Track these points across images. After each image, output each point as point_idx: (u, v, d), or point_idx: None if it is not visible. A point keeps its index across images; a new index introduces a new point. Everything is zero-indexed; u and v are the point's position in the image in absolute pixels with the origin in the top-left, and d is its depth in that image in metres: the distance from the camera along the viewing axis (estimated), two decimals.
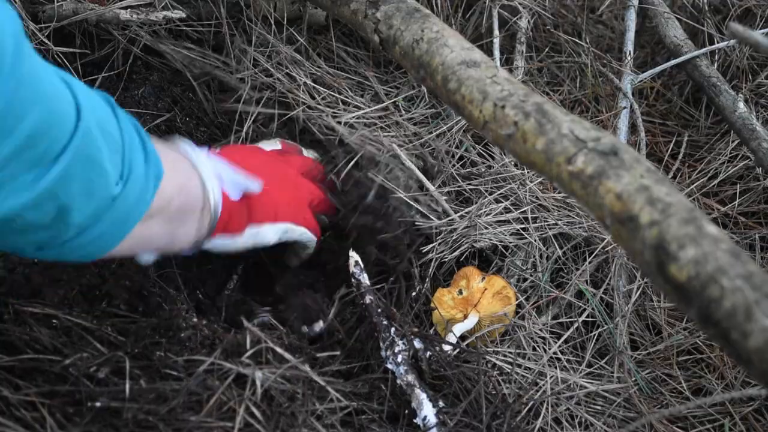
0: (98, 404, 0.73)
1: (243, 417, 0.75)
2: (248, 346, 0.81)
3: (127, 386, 0.75)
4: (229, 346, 0.81)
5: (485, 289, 0.98)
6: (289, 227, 0.97)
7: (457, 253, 1.04)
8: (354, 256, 0.97)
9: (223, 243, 0.91)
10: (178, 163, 0.86)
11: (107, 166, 0.69)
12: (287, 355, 0.81)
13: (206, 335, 0.83)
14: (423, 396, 0.85)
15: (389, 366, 0.88)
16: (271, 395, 0.78)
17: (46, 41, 1.06)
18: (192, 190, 0.86)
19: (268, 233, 0.95)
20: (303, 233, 0.98)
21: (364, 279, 0.96)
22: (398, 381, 0.87)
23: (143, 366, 0.79)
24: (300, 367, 0.81)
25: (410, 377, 0.87)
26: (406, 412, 0.86)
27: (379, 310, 0.93)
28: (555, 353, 0.99)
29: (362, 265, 0.97)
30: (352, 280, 0.96)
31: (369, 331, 0.93)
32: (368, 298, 0.94)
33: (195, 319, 0.84)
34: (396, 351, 0.89)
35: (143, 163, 0.75)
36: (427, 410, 0.84)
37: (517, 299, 1.01)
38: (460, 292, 0.99)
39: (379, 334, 0.91)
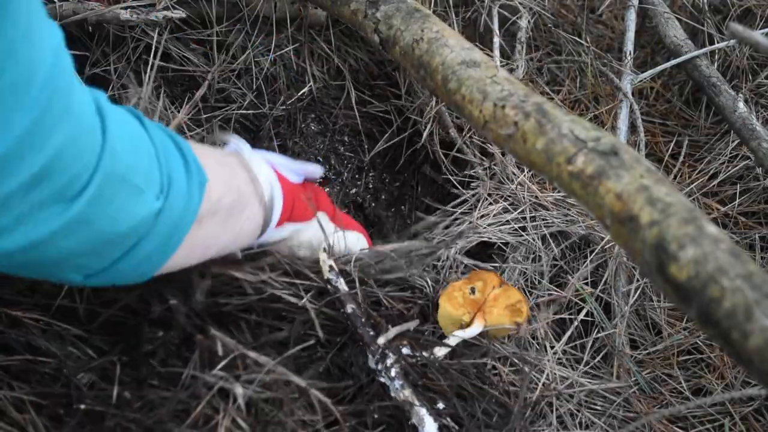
0: (82, 407, 0.73)
1: (228, 430, 0.74)
2: (220, 352, 0.77)
3: (115, 392, 0.74)
4: (205, 354, 0.78)
5: (499, 298, 0.95)
6: (359, 236, 0.97)
7: (454, 250, 1.04)
8: (327, 261, 0.89)
9: (290, 232, 0.89)
10: (224, 159, 0.82)
11: (141, 183, 0.64)
12: (263, 359, 0.78)
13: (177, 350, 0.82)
14: (423, 411, 0.80)
15: (382, 380, 0.82)
16: (256, 403, 0.76)
17: None
18: (242, 186, 0.81)
19: (333, 234, 0.92)
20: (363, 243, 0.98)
21: (342, 285, 0.87)
22: (392, 395, 0.81)
23: (132, 374, 0.79)
24: (279, 369, 0.78)
25: (407, 392, 0.81)
26: (409, 424, 0.81)
27: (363, 320, 0.85)
28: (555, 353, 0.99)
29: (337, 270, 0.88)
30: (329, 287, 0.87)
31: (352, 343, 0.86)
32: (350, 307, 0.85)
33: (161, 333, 0.82)
34: (389, 364, 0.82)
35: (184, 173, 0.70)
36: (429, 426, 0.80)
37: (528, 316, 0.96)
38: (473, 291, 0.96)
39: (366, 346, 0.83)
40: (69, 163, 0.57)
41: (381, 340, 0.84)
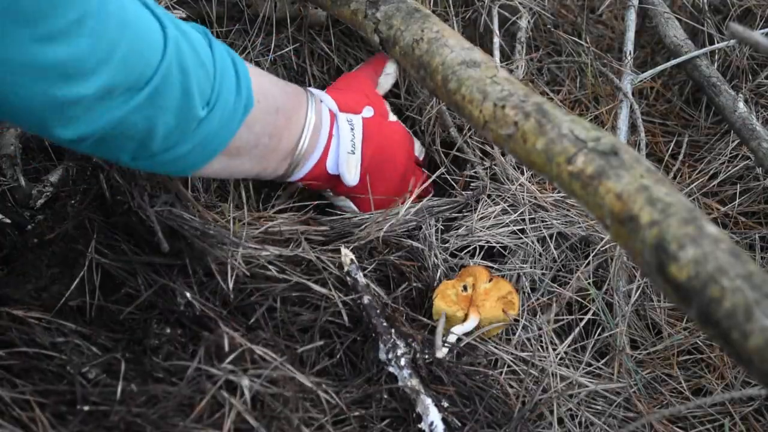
0: (86, 408, 0.73)
1: (234, 423, 0.74)
2: (227, 348, 0.79)
3: (120, 388, 0.75)
4: (212, 348, 0.80)
5: (491, 291, 0.98)
6: None
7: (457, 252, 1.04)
8: (348, 254, 0.95)
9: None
10: (284, 85, 0.97)
11: (194, 90, 0.75)
12: (270, 355, 0.80)
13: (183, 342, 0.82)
14: (428, 401, 0.83)
15: (391, 369, 0.86)
16: (261, 400, 0.77)
17: None
18: (288, 102, 0.94)
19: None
20: None
21: (360, 278, 0.93)
22: (400, 383, 0.85)
23: (137, 369, 0.79)
24: (285, 366, 0.79)
25: (414, 381, 0.85)
26: (414, 415, 0.84)
27: (378, 311, 0.90)
28: (557, 353, 0.99)
29: (357, 263, 0.94)
30: (348, 279, 0.93)
31: (365, 333, 0.90)
32: (366, 299, 0.91)
33: (168, 330, 0.83)
34: (399, 354, 0.87)
35: (234, 93, 0.81)
36: (434, 416, 0.82)
37: (520, 306, 1.01)
38: (465, 288, 0.98)
39: (379, 336, 0.88)
40: (134, 67, 0.69)
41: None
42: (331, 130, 0.99)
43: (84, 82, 0.66)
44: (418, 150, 1.14)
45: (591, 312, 1.04)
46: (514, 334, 1.01)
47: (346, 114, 1.01)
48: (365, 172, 1.01)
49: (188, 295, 0.84)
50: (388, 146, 1.05)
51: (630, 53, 1.28)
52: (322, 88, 1.23)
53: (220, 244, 0.89)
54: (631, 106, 1.23)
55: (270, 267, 0.91)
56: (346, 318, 0.90)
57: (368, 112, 1.04)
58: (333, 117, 1.01)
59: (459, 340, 0.95)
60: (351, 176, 1.00)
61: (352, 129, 1.00)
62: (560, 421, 0.94)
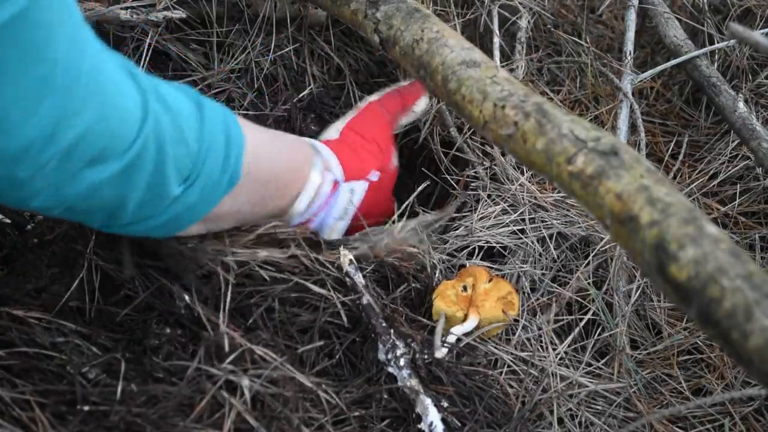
0: (86, 408, 0.73)
1: (234, 423, 0.74)
2: (227, 348, 0.79)
3: (120, 388, 0.75)
4: (211, 348, 0.80)
5: (491, 292, 0.98)
6: None
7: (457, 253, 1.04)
8: (347, 255, 0.94)
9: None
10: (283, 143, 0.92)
11: (168, 169, 0.70)
12: (270, 356, 0.79)
13: (183, 342, 0.82)
14: (428, 401, 0.83)
15: (390, 370, 0.86)
16: (261, 400, 0.77)
17: None
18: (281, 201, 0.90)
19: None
20: None
21: (359, 279, 0.93)
22: (400, 384, 0.85)
23: (137, 369, 0.79)
24: (285, 366, 0.79)
25: (414, 381, 0.85)
26: (414, 416, 0.84)
27: (377, 312, 0.90)
28: (556, 353, 0.99)
29: (357, 264, 0.94)
30: (347, 279, 0.93)
31: (364, 333, 0.90)
32: (365, 299, 0.90)
33: (168, 330, 0.83)
34: (398, 354, 0.87)
35: (220, 167, 0.76)
36: (433, 416, 0.82)
37: (520, 306, 1.00)
38: (465, 289, 0.98)
39: (378, 336, 0.88)
40: (100, 138, 0.63)
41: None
42: (328, 199, 0.95)
43: (39, 150, 0.60)
44: None
45: (591, 312, 1.04)
46: (514, 334, 1.01)
47: (351, 183, 0.97)
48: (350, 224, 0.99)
49: (186, 297, 0.84)
50: (382, 197, 1.03)
51: (630, 53, 1.28)
52: (323, 87, 1.24)
53: (209, 254, 0.88)
54: (631, 106, 1.23)
55: (267, 268, 0.90)
56: (345, 318, 0.90)
57: (374, 175, 1.00)
58: (335, 186, 0.96)
59: (458, 340, 0.95)
60: (330, 238, 0.98)
61: (351, 198, 0.97)
62: (560, 421, 0.94)
